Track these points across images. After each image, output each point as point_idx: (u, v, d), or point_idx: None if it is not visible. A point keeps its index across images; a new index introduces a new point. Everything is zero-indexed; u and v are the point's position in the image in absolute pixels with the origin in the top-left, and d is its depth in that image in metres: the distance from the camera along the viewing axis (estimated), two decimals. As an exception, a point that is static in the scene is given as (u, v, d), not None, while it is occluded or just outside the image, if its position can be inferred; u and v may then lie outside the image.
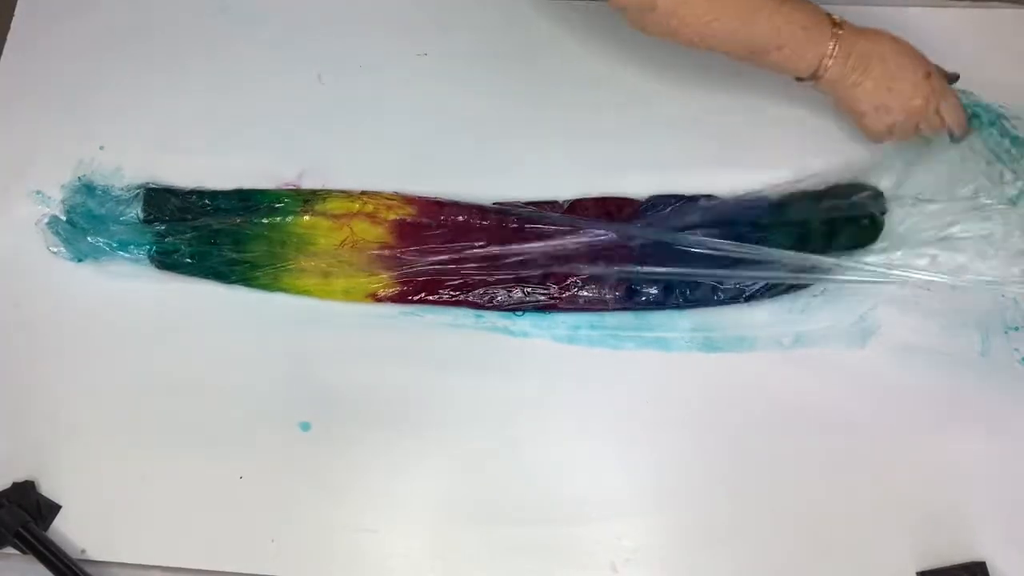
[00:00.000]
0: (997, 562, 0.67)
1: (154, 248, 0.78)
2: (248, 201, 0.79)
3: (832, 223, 0.75)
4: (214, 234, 0.77)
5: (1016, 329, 0.73)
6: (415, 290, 0.75)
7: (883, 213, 0.75)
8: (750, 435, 0.71)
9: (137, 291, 0.78)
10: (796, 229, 0.75)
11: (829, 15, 0.69)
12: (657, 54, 0.82)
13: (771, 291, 0.74)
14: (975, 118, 0.74)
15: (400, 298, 0.76)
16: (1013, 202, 0.73)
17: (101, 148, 0.83)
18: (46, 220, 0.79)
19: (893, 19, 0.82)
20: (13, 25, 0.89)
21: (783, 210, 0.75)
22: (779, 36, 0.68)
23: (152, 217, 0.79)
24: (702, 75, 0.81)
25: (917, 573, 0.67)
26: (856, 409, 0.71)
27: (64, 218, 0.79)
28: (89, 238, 0.78)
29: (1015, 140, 0.74)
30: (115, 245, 0.78)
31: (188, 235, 0.78)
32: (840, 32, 0.69)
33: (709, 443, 0.71)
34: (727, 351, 0.73)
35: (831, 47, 0.68)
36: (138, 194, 0.79)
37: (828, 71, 0.69)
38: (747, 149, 0.79)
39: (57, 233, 0.78)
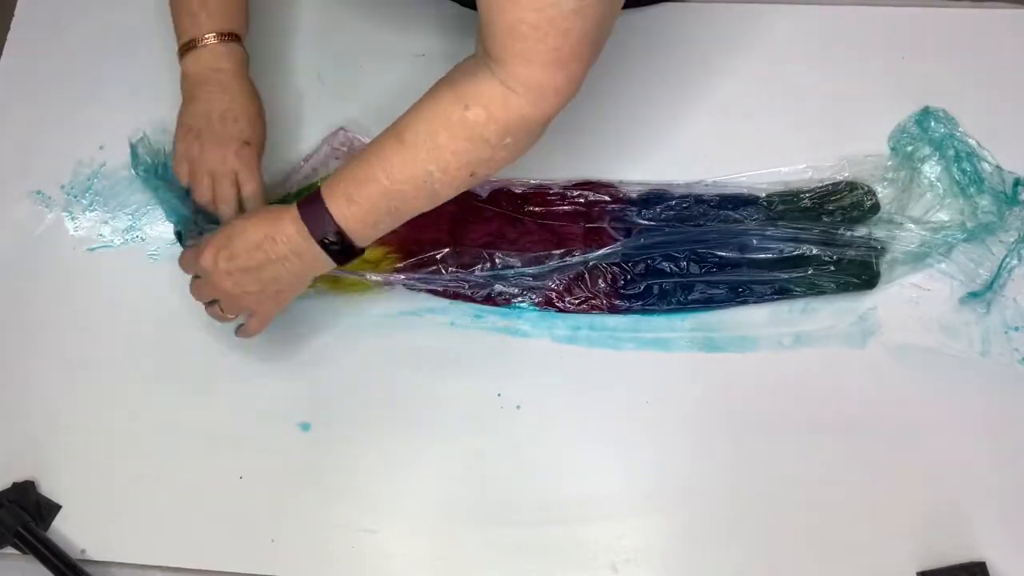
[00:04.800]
0: (997, 562, 0.66)
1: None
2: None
3: (826, 227, 0.75)
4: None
5: (1016, 329, 0.73)
6: (417, 267, 0.75)
7: (876, 211, 0.75)
8: (750, 435, 0.71)
9: (138, 291, 0.78)
10: (788, 228, 0.75)
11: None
12: (656, 54, 0.82)
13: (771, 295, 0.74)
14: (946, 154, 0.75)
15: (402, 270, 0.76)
16: (969, 237, 0.74)
17: (101, 148, 0.83)
18: (139, 137, 0.79)
19: (894, 19, 0.83)
20: (13, 25, 0.89)
21: (777, 208, 0.76)
22: None
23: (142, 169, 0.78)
24: (700, 75, 0.81)
25: (917, 573, 0.67)
26: (856, 409, 0.71)
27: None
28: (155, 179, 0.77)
29: (975, 179, 0.75)
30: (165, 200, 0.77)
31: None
32: None
33: (709, 443, 0.71)
34: (727, 351, 0.73)
35: None
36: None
37: None
38: (746, 149, 0.79)
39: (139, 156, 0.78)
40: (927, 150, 0.76)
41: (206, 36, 0.71)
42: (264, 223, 0.64)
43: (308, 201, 0.63)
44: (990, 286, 0.72)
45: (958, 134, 0.76)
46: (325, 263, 0.64)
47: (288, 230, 0.63)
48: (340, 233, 0.62)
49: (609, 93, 0.81)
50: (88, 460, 0.74)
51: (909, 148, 0.77)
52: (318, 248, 0.63)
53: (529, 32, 0.53)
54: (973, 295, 0.72)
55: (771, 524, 0.69)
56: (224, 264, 0.65)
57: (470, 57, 0.61)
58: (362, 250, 0.64)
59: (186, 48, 0.72)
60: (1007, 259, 0.73)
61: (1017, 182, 0.74)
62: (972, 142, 0.76)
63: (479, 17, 0.56)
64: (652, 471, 0.71)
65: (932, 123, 0.77)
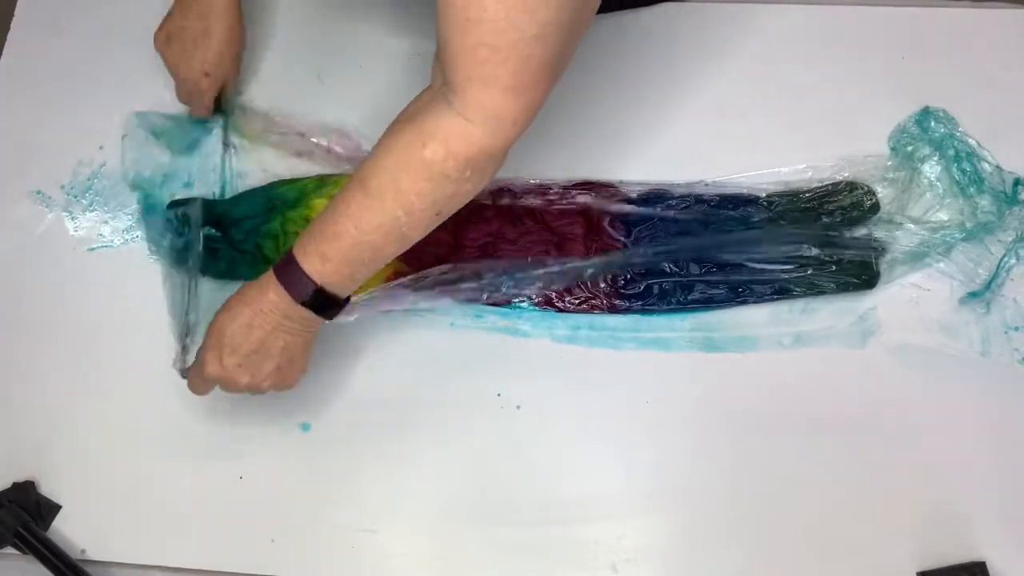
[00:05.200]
0: (997, 562, 0.67)
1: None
2: (271, 200, 0.79)
3: (825, 224, 0.75)
4: (234, 243, 0.78)
5: (1016, 329, 0.73)
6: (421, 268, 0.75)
7: (876, 211, 0.75)
8: (750, 435, 0.71)
9: (138, 291, 0.78)
10: (788, 228, 0.75)
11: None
12: (656, 54, 0.82)
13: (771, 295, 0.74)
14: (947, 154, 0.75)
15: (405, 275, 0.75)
16: (967, 236, 0.74)
17: (101, 148, 0.83)
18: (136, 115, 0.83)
19: (894, 19, 0.83)
20: (13, 25, 0.89)
21: (775, 207, 0.76)
22: None
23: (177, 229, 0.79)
24: (700, 75, 0.81)
25: (917, 573, 0.67)
26: (856, 409, 0.71)
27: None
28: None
29: (974, 179, 0.75)
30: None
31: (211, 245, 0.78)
32: None
33: (709, 443, 0.71)
34: (727, 351, 0.73)
35: None
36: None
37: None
38: (745, 149, 0.79)
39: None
40: (927, 150, 0.76)
41: None
42: (246, 302, 0.63)
43: (283, 265, 0.62)
44: (988, 286, 0.72)
45: (958, 134, 0.76)
46: (315, 320, 0.64)
47: (271, 298, 0.62)
48: (320, 291, 0.61)
49: (609, 93, 0.82)
50: (88, 460, 0.74)
51: (909, 148, 0.77)
52: (304, 309, 0.62)
53: (489, 56, 0.52)
54: (972, 295, 0.72)
55: (771, 524, 0.69)
56: (230, 360, 0.63)
57: (427, 90, 0.61)
58: (347, 299, 0.64)
59: None
60: (1005, 259, 0.73)
61: (1017, 182, 0.74)
62: (972, 142, 0.76)
63: (438, 44, 0.56)
64: (652, 471, 0.71)
65: (932, 123, 0.77)
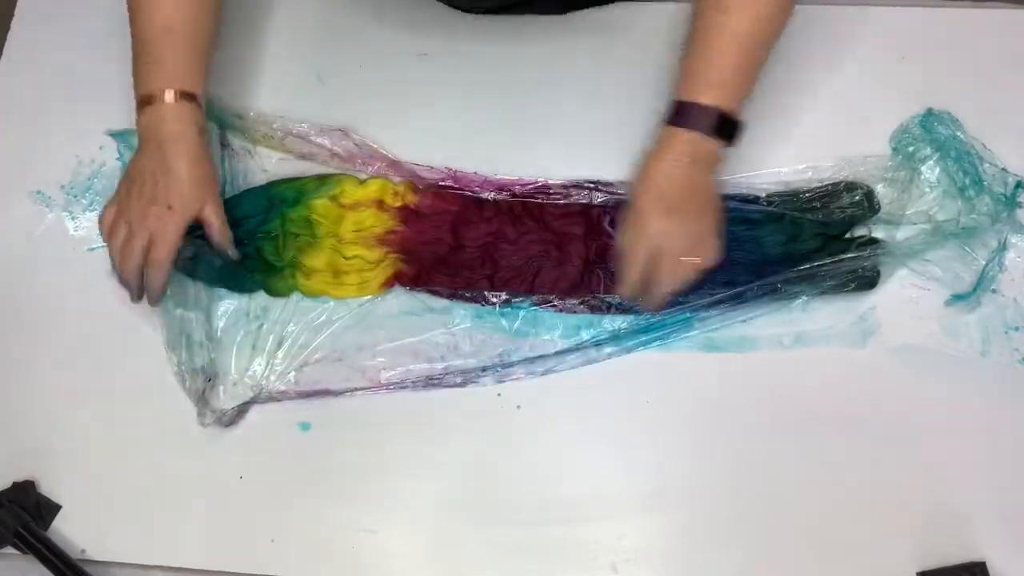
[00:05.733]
0: (997, 562, 0.67)
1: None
2: (271, 199, 0.79)
3: (825, 223, 0.75)
4: (235, 243, 0.77)
5: (1016, 329, 0.73)
6: (422, 276, 0.76)
7: (876, 211, 0.75)
8: (750, 435, 0.71)
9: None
10: (788, 228, 0.75)
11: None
12: (657, 53, 0.82)
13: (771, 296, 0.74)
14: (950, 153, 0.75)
15: (408, 283, 0.76)
16: (966, 235, 0.74)
17: (101, 148, 0.83)
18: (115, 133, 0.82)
19: (895, 19, 0.83)
20: (13, 25, 0.89)
21: (775, 207, 0.76)
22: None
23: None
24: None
25: (917, 573, 0.67)
26: (856, 409, 0.71)
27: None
28: None
29: (975, 180, 0.75)
30: None
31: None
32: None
33: (709, 443, 0.71)
34: (727, 351, 0.73)
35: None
36: None
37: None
38: (745, 148, 0.79)
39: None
40: (928, 151, 0.76)
41: (163, 92, 0.70)
42: (654, 157, 0.67)
43: (675, 115, 0.67)
44: (975, 290, 0.72)
45: (961, 135, 0.76)
46: (720, 155, 0.67)
47: (679, 144, 0.67)
48: (722, 115, 0.66)
49: (609, 93, 0.81)
50: (88, 460, 0.74)
51: (911, 148, 0.77)
52: (713, 141, 0.66)
53: None
54: (958, 297, 0.72)
55: (771, 524, 0.69)
56: (660, 205, 0.67)
57: None
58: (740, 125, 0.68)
59: (142, 102, 0.71)
60: (988, 267, 0.72)
61: (1018, 184, 0.74)
62: (976, 144, 0.75)
63: None
64: (652, 471, 0.71)
65: (936, 124, 0.76)
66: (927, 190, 0.76)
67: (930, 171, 0.76)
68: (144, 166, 0.71)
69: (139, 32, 0.72)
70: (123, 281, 0.71)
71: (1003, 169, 0.75)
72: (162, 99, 0.70)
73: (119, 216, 0.71)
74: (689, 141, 0.66)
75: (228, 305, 0.77)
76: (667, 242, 0.67)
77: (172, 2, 0.71)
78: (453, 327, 0.75)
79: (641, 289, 0.69)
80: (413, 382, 0.73)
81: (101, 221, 0.72)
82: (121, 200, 0.71)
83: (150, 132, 0.71)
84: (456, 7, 0.84)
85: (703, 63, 0.67)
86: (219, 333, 0.76)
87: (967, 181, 0.74)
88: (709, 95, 0.66)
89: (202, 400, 0.73)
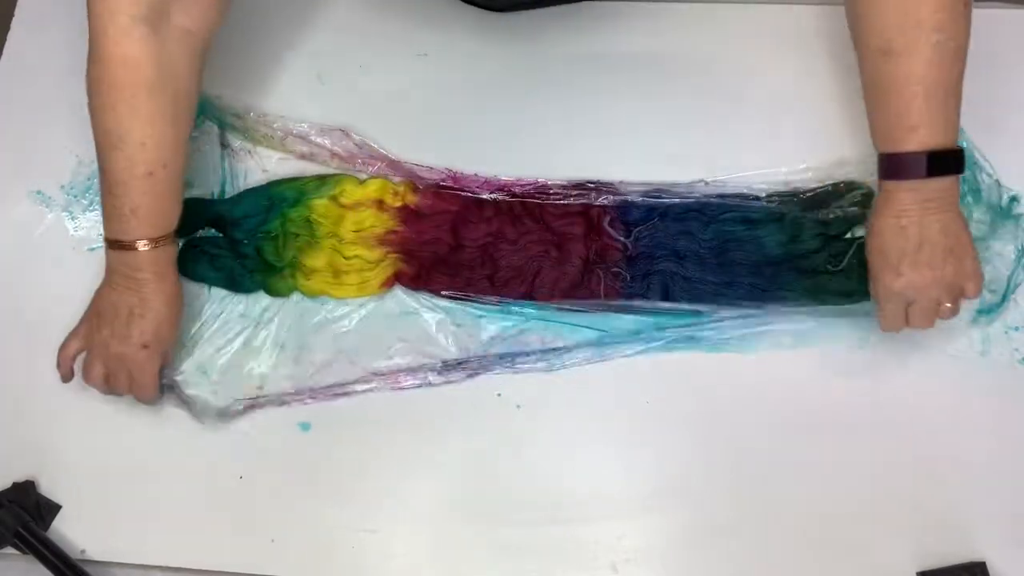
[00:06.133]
0: (997, 562, 0.67)
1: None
2: (271, 199, 0.79)
3: (825, 223, 0.75)
4: (235, 244, 0.78)
5: (1016, 329, 0.73)
6: (421, 276, 0.76)
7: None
8: (750, 435, 0.71)
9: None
10: (788, 228, 0.75)
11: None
12: (657, 53, 0.82)
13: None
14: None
15: (408, 283, 0.76)
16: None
17: (101, 148, 0.83)
18: None
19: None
20: (13, 25, 0.89)
21: (775, 207, 0.76)
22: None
23: (179, 232, 0.79)
24: (700, 74, 0.81)
25: (917, 573, 0.67)
26: (856, 409, 0.71)
27: None
28: None
29: (973, 188, 0.74)
30: None
31: (211, 250, 0.78)
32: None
33: (709, 443, 0.71)
34: (727, 351, 0.73)
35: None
36: None
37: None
38: (746, 149, 0.79)
39: None
40: None
41: (137, 243, 0.68)
42: (886, 213, 0.65)
43: (886, 171, 0.64)
44: (1002, 301, 0.72)
45: (964, 143, 0.75)
46: (950, 182, 0.64)
47: (901, 196, 0.64)
48: (932, 154, 0.63)
49: (609, 93, 0.82)
50: (88, 460, 0.74)
51: None
52: (935, 179, 0.63)
53: None
54: (984, 312, 0.72)
55: (771, 524, 0.69)
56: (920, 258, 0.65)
57: None
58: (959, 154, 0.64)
59: (114, 244, 0.69)
60: (1013, 276, 0.72)
61: (1013, 199, 0.74)
62: (977, 154, 0.75)
63: None
64: (652, 471, 0.71)
65: None
66: None
67: None
68: (117, 302, 0.69)
69: (116, 174, 0.67)
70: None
71: (996, 181, 0.74)
72: (136, 248, 0.68)
73: (91, 353, 0.71)
74: (911, 190, 0.63)
75: (224, 306, 0.77)
76: (915, 296, 0.65)
77: (155, 144, 0.67)
78: (453, 326, 0.75)
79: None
80: (418, 379, 0.73)
81: (63, 351, 0.72)
82: (90, 335, 0.71)
83: (123, 271, 0.69)
84: (485, 7, 0.83)
85: (893, 113, 0.63)
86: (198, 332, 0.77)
87: (965, 188, 0.74)
88: (912, 141, 0.63)
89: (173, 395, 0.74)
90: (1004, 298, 0.72)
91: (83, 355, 0.72)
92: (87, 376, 0.71)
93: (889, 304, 0.66)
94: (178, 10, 0.66)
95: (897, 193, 0.64)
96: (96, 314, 0.71)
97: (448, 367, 0.74)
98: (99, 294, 0.71)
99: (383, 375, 0.74)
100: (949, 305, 0.66)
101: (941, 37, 0.60)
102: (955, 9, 0.60)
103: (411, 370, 0.74)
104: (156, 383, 0.72)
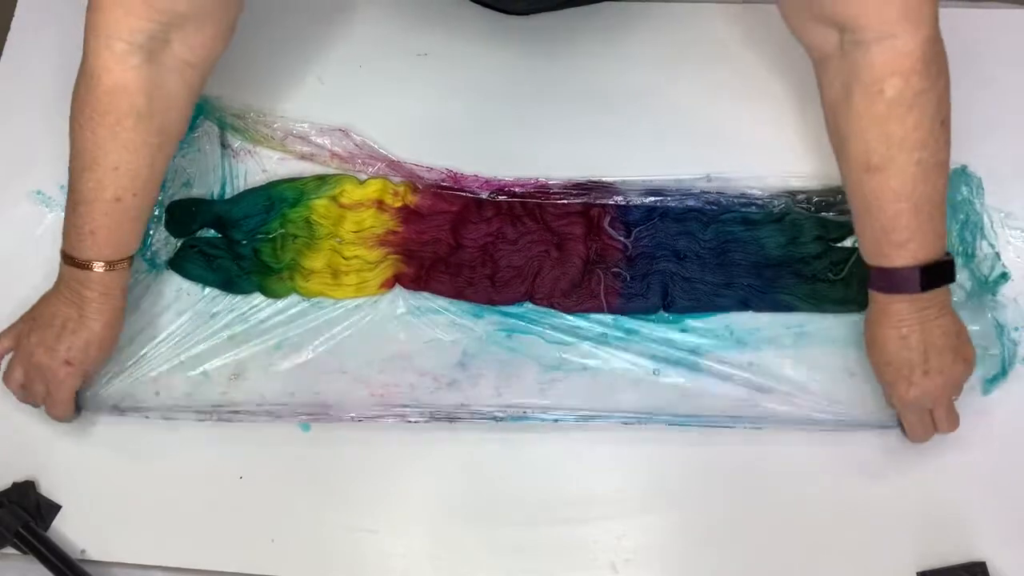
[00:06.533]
0: (997, 562, 0.67)
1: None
2: (271, 199, 0.79)
3: (825, 226, 0.75)
4: (233, 245, 0.78)
5: (1016, 329, 0.73)
6: (421, 277, 0.76)
7: None
8: (750, 435, 0.71)
9: (136, 291, 0.78)
10: (788, 229, 0.75)
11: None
12: (657, 53, 0.82)
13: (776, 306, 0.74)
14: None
15: (408, 284, 0.76)
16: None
17: (101, 148, 0.83)
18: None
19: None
20: (13, 25, 0.89)
21: (775, 208, 0.76)
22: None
23: (177, 232, 0.79)
24: (701, 75, 0.81)
25: (917, 573, 0.67)
26: (856, 409, 0.71)
27: None
28: None
29: (967, 252, 0.74)
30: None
31: (211, 250, 0.78)
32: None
33: (709, 443, 0.71)
34: (727, 351, 0.73)
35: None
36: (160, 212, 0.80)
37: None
38: (746, 149, 0.79)
39: None
40: None
41: (92, 263, 0.67)
42: (885, 327, 0.65)
43: (877, 286, 0.65)
44: (1003, 372, 0.71)
45: (977, 205, 0.75)
46: (943, 291, 0.65)
47: (896, 308, 0.64)
48: (923, 268, 0.63)
49: (609, 93, 0.82)
50: (88, 460, 0.74)
51: None
52: (930, 292, 0.64)
53: None
54: (992, 381, 0.71)
55: (771, 524, 0.69)
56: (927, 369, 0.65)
57: (820, 69, 0.64)
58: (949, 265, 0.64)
59: (69, 259, 0.68)
60: (1005, 345, 0.72)
61: (1003, 275, 0.73)
62: (986, 218, 0.75)
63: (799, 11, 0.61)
64: (652, 471, 0.71)
65: (962, 184, 0.75)
66: None
67: None
68: (56, 312, 0.69)
69: (83, 193, 0.66)
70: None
71: (996, 254, 0.74)
72: (90, 268, 0.67)
73: (15, 356, 0.71)
74: (906, 301, 0.64)
75: (218, 305, 0.77)
76: (932, 402, 0.66)
77: (129, 171, 0.66)
78: (454, 327, 0.75)
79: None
80: (416, 413, 0.72)
81: (3, 339, 0.71)
82: (20, 338, 0.70)
83: (72, 285, 0.68)
84: (501, 10, 0.83)
85: (880, 228, 0.63)
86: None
87: (960, 249, 0.74)
88: (903, 256, 0.63)
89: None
90: (1007, 365, 0.71)
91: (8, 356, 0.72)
92: (5, 378, 0.71)
93: (911, 415, 0.67)
94: (180, 40, 0.65)
95: (892, 305, 0.64)
96: (32, 317, 0.71)
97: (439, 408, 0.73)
98: (43, 298, 0.71)
99: (378, 396, 0.74)
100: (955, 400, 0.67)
101: (923, 155, 0.61)
102: (933, 128, 0.61)
103: (402, 404, 0.73)
104: (71, 402, 0.71)
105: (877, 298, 0.65)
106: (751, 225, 0.75)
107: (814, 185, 0.77)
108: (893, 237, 0.62)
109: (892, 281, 0.64)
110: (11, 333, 0.72)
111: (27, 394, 0.71)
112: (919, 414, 0.67)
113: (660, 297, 0.74)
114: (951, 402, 0.67)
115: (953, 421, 0.67)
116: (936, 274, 0.63)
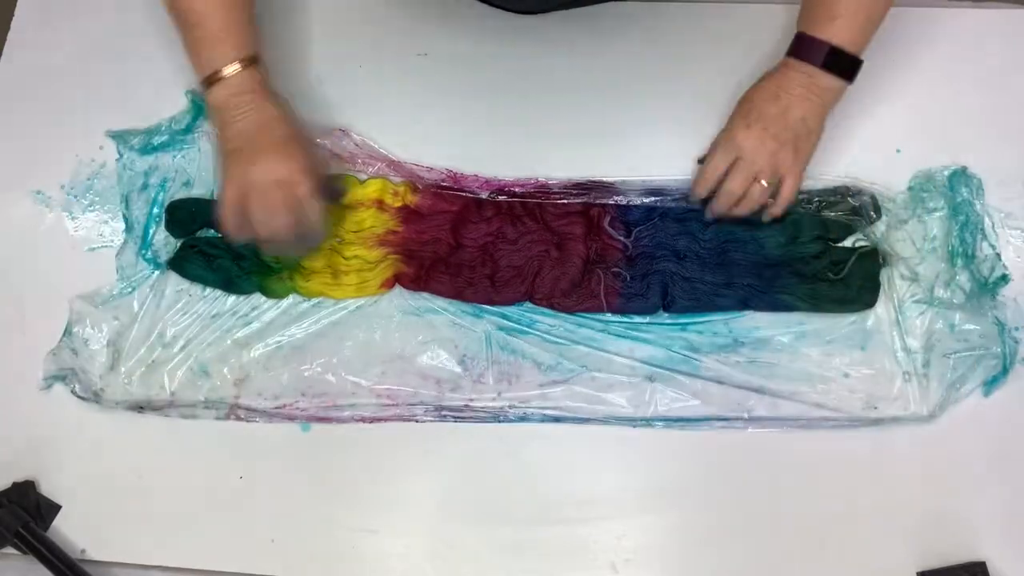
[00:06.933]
0: (997, 562, 0.67)
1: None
2: None
3: (826, 226, 0.75)
4: (233, 245, 0.77)
5: (1016, 329, 0.73)
6: (421, 277, 0.76)
7: (878, 218, 0.75)
8: (750, 435, 0.71)
9: (136, 292, 0.78)
10: (789, 229, 0.75)
11: None
12: (658, 53, 0.82)
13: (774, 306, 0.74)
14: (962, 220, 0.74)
15: (408, 283, 0.76)
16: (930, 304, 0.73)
17: (101, 148, 0.83)
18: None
19: (894, 19, 0.82)
20: (13, 25, 0.89)
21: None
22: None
23: (177, 232, 0.79)
24: (702, 75, 0.81)
25: (917, 573, 0.67)
26: (856, 409, 0.71)
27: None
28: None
29: (968, 253, 0.74)
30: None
31: (212, 251, 0.78)
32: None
33: (709, 443, 0.71)
34: (727, 351, 0.73)
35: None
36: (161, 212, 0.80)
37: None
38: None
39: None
40: (940, 202, 0.75)
41: (230, 66, 0.70)
42: (770, 79, 0.71)
43: (795, 47, 0.70)
44: (1004, 371, 0.71)
45: (978, 205, 0.75)
46: (836, 88, 0.70)
47: (792, 73, 0.70)
48: (833, 51, 0.68)
49: (609, 93, 0.82)
50: (88, 460, 0.74)
51: (924, 194, 0.75)
52: (826, 76, 0.69)
53: None
54: (991, 383, 0.71)
55: (771, 524, 0.69)
56: (757, 125, 0.70)
57: None
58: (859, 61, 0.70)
59: (210, 80, 0.70)
60: (1006, 343, 0.72)
61: (1003, 277, 0.73)
62: (987, 219, 0.75)
63: None
64: (652, 471, 0.71)
65: (962, 185, 0.75)
66: (920, 240, 0.75)
67: (934, 224, 0.75)
68: (243, 129, 0.70)
69: (195, 14, 0.69)
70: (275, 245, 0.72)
71: (997, 255, 0.74)
72: (225, 75, 0.70)
73: (247, 189, 0.69)
74: (802, 72, 0.69)
75: (218, 306, 0.77)
76: (747, 155, 0.70)
77: None
78: (454, 327, 0.75)
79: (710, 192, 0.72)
80: (418, 412, 0.73)
81: (222, 207, 0.70)
82: (236, 174, 0.70)
83: (230, 104, 0.70)
84: (509, 9, 0.83)
85: (820, 2, 0.68)
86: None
87: (961, 250, 0.74)
88: (827, 31, 0.68)
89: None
90: (1008, 365, 0.71)
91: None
92: (256, 227, 0.70)
93: (720, 151, 0.72)
94: None
95: (790, 71, 0.70)
96: (228, 154, 0.70)
97: (442, 407, 0.73)
98: (222, 139, 0.71)
99: (378, 396, 0.74)
100: (764, 183, 0.71)
101: None
102: None
103: (408, 404, 0.73)
104: (314, 172, 0.70)
105: (783, 62, 0.71)
106: (751, 225, 0.75)
107: (814, 185, 0.77)
108: (828, 11, 0.68)
109: (803, 47, 0.69)
110: (232, 180, 0.70)
111: (274, 228, 0.69)
112: (726, 156, 0.71)
113: (660, 297, 0.74)
114: (753, 169, 0.70)
115: (742, 184, 0.71)
116: (840, 62, 0.69)
